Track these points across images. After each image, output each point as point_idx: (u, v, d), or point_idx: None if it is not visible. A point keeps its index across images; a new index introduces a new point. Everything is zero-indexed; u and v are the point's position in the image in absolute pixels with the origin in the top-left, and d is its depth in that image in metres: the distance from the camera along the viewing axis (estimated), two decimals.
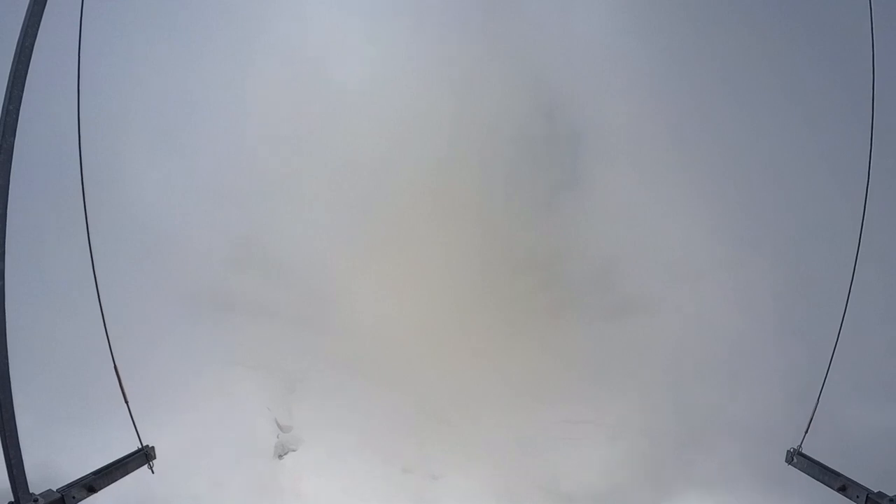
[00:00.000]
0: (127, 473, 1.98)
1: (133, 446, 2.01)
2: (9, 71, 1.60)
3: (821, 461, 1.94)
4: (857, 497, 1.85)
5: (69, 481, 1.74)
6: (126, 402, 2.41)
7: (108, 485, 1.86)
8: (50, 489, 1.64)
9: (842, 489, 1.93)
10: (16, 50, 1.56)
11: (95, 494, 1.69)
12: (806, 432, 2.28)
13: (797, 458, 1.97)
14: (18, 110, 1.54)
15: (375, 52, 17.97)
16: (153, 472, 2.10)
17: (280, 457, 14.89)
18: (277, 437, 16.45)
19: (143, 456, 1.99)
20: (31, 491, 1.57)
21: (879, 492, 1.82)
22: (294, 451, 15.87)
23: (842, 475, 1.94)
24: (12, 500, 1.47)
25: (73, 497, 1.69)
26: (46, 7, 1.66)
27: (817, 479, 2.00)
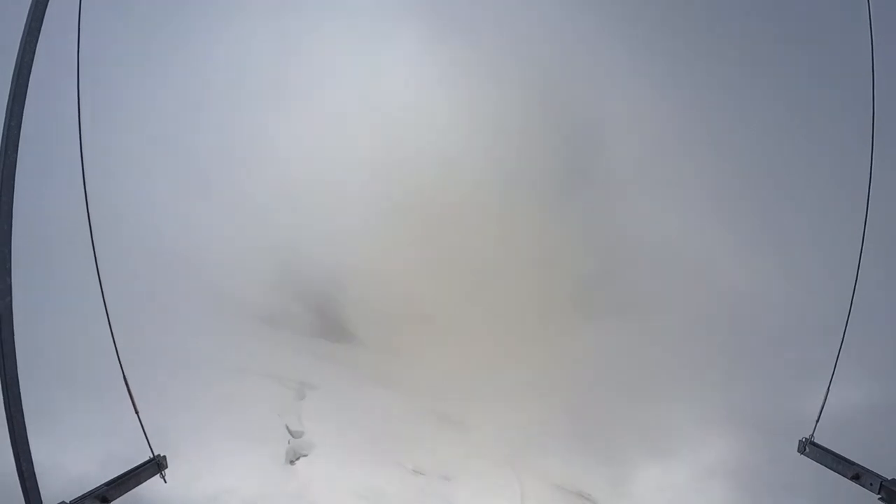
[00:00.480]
0: (139, 483, 1.99)
1: (145, 456, 2.02)
2: (9, 87, 1.61)
3: (833, 450, 1.93)
4: (871, 485, 1.82)
5: (82, 492, 1.74)
6: (136, 412, 2.41)
7: (121, 495, 1.86)
8: (63, 501, 1.65)
9: (855, 477, 1.90)
10: (15, 65, 1.57)
11: None
12: (817, 421, 2.26)
13: (809, 447, 1.94)
14: (20, 126, 1.55)
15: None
16: (165, 482, 2.10)
17: (292, 462, 14.91)
18: (289, 442, 16.47)
19: (156, 465, 2.00)
20: (44, 503, 1.58)
21: (894, 479, 1.79)
22: (305, 455, 15.89)
23: (855, 463, 1.91)
24: None
25: None
26: (45, 22, 1.67)
27: (830, 468, 1.97)
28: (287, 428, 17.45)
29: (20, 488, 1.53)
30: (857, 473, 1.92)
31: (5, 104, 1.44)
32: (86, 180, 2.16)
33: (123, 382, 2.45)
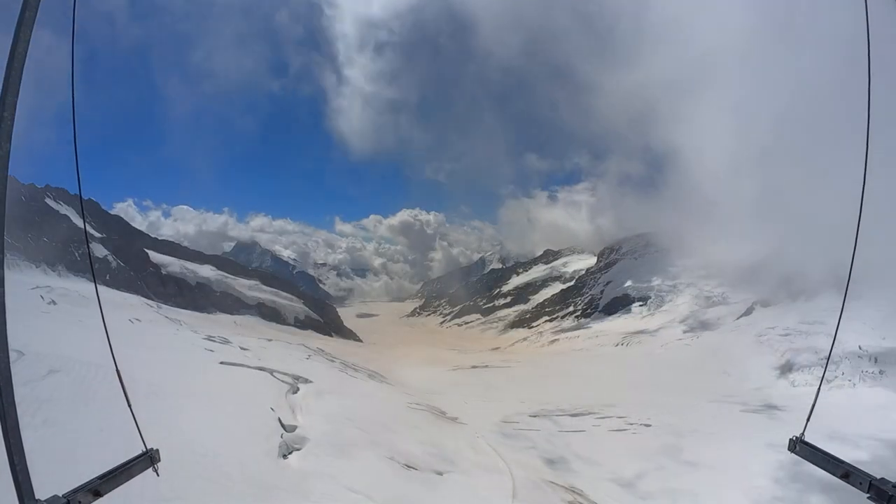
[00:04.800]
0: (132, 477, 1.98)
1: (138, 449, 2.01)
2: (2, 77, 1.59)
3: (823, 449, 1.94)
4: (861, 484, 1.85)
5: (74, 486, 1.74)
6: (129, 405, 2.40)
7: (113, 489, 1.86)
8: (56, 494, 1.65)
9: (844, 476, 1.92)
10: (9, 54, 1.55)
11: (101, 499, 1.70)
12: (808, 420, 2.28)
13: (799, 445, 1.96)
14: (13, 117, 1.53)
15: None
16: (158, 475, 2.11)
17: (285, 456, 14.94)
18: (282, 436, 16.52)
19: (148, 459, 2.00)
20: (36, 497, 1.58)
21: (882, 478, 1.81)
22: (298, 449, 15.94)
23: (844, 462, 1.94)
24: None
25: (79, 502, 1.70)
26: (40, 12, 1.65)
27: (820, 467, 2.00)
28: (280, 422, 17.48)
29: (12, 482, 1.53)
30: (846, 472, 1.94)
31: None
32: (80, 180, 2.13)
33: (117, 377, 2.44)
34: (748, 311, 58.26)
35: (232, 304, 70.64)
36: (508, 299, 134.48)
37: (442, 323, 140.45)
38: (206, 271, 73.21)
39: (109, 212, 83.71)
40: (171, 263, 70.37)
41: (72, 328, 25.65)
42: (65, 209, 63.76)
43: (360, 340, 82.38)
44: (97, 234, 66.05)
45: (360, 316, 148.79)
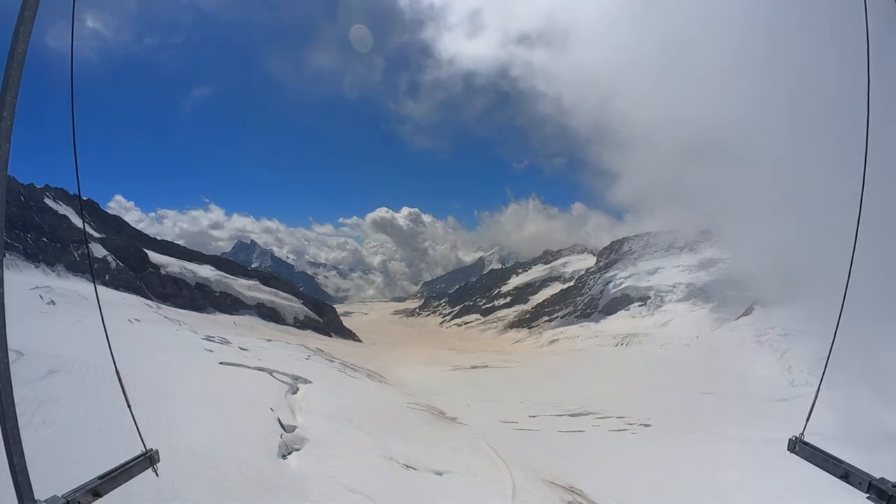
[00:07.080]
0: (131, 477, 1.98)
1: (137, 450, 2.00)
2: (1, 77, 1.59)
3: (823, 449, 1.94)
4: (860, 484, 1.85)
5: (74, 486, 1.74)
6: (129, 406, 2.40)
7: (113, 489, 1.86)
8: (55, 495, 1.64)
9: (844, 476, 1.93)
10: (9, 54, 1.55)
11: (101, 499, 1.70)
12: (807, 420, 2.28)
13: (799, 445, 1.96)
14: (13, 117, 1.53)
15: None
16: (157, 475, 2.10)
17: (284, 456, 14.93)
18: (281, 436, 16.50)
19: (148, 459, 1.99)
20: (36, 497, 1.58)
21: (882, 478, 1.82)
22: (298, 450, 15.92)
23: (844, 462, 1.94)
24: None
25: (79, 502, 1.70)
26: (39, 12, 1.65)
27: (819, 467, 2.00)
28: (280, 422, 17.47)
29: (12, 484, 1.52)
30: (845, 472, 1.95)
31: None
32: (79, 181, 2.13)
33: (116, 377, 2.44)
34: (748, 311, 58.24)
35: (231, 304, 70.62)
36: (508, 299, 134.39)
37: (442, 323, 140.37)
38: (206, 271, 73.12)
39: (108, 212, 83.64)
40: (171, 263, 70.30)
41: (72, 328, 25.63)
42: (64, 209, 63.68)
43: (359, 340, 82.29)
44: (96, 234, 65.95)
45: (360, 315, 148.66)
